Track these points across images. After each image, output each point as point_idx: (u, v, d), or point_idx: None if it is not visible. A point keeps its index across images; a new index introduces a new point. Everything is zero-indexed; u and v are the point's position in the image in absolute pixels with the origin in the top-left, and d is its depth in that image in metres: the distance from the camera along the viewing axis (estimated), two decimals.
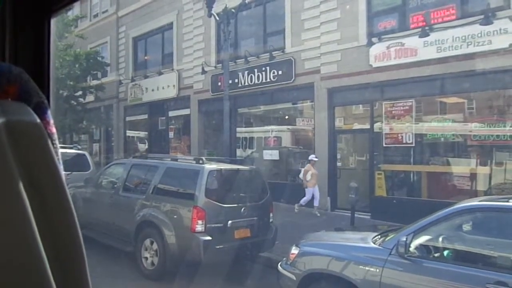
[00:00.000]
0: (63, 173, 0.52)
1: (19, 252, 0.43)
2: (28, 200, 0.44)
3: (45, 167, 0.48)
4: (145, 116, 17.96)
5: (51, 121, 0.56)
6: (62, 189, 0.50)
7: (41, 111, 0.53)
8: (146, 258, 6.41)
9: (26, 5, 0.89)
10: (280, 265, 4.96)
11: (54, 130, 0.56)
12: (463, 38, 8.88)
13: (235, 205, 6.42)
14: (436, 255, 4.05)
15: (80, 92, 17.02)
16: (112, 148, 19.11)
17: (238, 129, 13.90)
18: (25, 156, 0.46)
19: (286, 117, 13.93)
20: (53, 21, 0.94)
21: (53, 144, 0.52)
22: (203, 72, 14.06)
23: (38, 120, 0.49)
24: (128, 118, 18.84)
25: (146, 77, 17.24)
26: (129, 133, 19.16)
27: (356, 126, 11.51)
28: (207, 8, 11.41)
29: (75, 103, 16.95)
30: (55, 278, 0.46)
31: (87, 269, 0.52)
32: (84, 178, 8.88)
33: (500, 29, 8.44)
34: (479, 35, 8.66)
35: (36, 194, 0.46)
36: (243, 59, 13.04)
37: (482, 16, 8.60)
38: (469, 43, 8.81)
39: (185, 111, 15.53)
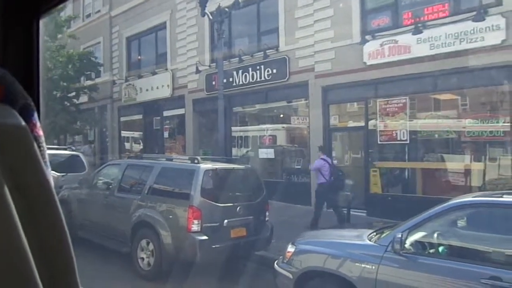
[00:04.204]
0: (50, 175, 0.51)
1: (5, 255, 0.42)
2: (13, 203, 0.44)
3: (31, 170, 0.48)
4: (140, 116, 17.89)
5: (38, 124, 0.55)
6: (49, 191, 0.49)
7: (27, 113, 0.53)
8: (142, 259, 6.39)
9: (14, 6, 0.88)
10: (277, 264, 4.97)
11: (41, 132, 0.55)
12: (456, 35, 8.92)
13: (231, 204, 6.42)
14: (431, 251, 4.07)
15: (73, 93, 16.91)
16: (106, 149, 19.03)
17: (233, 128, 13.89)
18: (10, 159, 0.46)
19: (281, 115, 13.93)
20: (42, 22, 0.93)
21: (39, 147, 0.51)
22: (197, 71, 14.02)
23: (23, 123, 0.48)
24: (122, 119, 18.76)
25: (140, 77, 17.17)
26: (124, 133, 19.09)
27: (351, 123, 11.54)
28: (200, 7, 11.37)
29: (68, 104, 16.85)
30: (42, 281, 0.45)
31: (76, 270, 0.52)
32: (78, 179, 8.84)
33: (493, 26, 8.48)
34: (472, 31, 8.70)
35: (22, 197, 0.46)
36: (237, 58, 13.02)
37: (474, 13, 8.65)
38: (462, 40, 8.85)
39: (180, 111, 15.49)
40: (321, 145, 10.19)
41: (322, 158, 9.42)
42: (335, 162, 11.41)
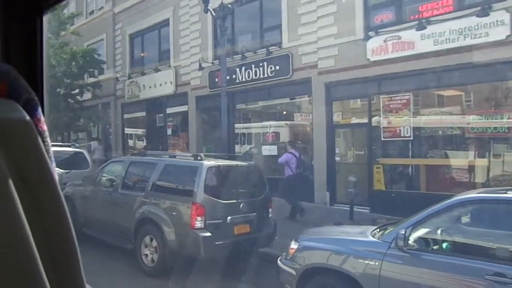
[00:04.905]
0: (55, 170, 0.52)
1: (11, 250, 0.43)
2: (19, 198, 0.44)
3: (35, 165, 0.48)
4: (143, 113, 17.92)
5: (42, 119, 0.55)
6: (54, 186, 0.49)
7: (31, 108, 0.53)
8: (146, 255, 6.42)
9: (17, 2, 0.88)
10: (280, 260, 4.97)
11: (45, 127, 0.55)
12: (460, 30, 8.87)
13: (234, 201, 6.43)
14: (435, 247, 4.07)
15: (77, 90, 16.97)
16: (110, 146, 19.09)
17: (236, 125, 13.87)
18: (15, 154, 0.46)
19: (284, 112, 13.91)
20: (45, 18, 0.93)
21: (44, 141, 0.52)
22: (200, 68, 14.02)
23: (28, 118, 0.49)
24: (126, 116, 18.80)
25: (143, 74, 17.18)
26: (127, 130, 19.13)
27: (354, 120, 11.50)
28: (203, 3, 11.36)
29: (72, 101, 16.91)
30: (48, 276, 0.45)
31: (81, 266, 0.52)
32: (82, 176, 8.88)
33: (497, 21, 8.42)
34: (476, 27, 8.65)
35: (27, 191, 0.46)
36: (240, 55, 13.00)
37: (478, 8, 8.59)
38: (466, 36, 8.80)
39: (183, 108, 15.50)
40: (290, 141, 11.10)
41: (290, 152, 10.01)
42: (337, 159, 11.45)
